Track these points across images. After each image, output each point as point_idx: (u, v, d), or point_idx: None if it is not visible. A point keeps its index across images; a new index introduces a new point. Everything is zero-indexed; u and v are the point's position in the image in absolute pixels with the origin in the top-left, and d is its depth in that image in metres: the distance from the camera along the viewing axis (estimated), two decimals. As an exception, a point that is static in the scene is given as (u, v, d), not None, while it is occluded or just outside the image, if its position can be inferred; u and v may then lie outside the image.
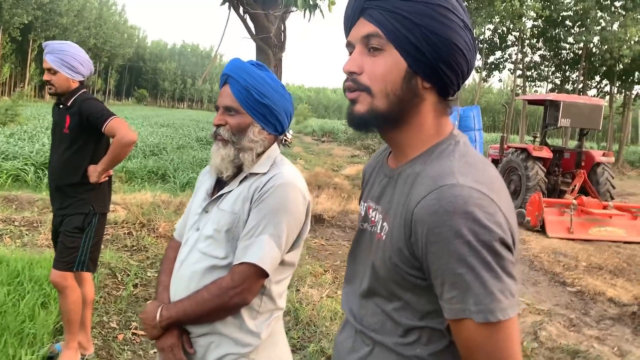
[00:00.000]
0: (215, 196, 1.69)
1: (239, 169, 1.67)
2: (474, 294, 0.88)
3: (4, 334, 3.16)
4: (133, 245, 5.73)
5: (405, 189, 1.02)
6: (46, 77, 3.04)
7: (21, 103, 17.99)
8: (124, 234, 6.03)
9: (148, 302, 2.05)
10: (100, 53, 76.85)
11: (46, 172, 3.42)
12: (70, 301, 3.08)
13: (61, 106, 3.12)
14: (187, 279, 1.62)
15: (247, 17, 6.59)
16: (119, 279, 4.74)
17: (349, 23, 1.06)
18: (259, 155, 1.68)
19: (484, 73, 30.76)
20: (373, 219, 1.13)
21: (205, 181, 1.80)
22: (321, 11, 6.68)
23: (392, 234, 1.02)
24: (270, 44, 6.82)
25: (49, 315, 3.52)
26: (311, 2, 6.64)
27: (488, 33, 29.36)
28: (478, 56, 32.74)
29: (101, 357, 3.39)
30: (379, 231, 1.08)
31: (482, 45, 29.65)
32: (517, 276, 0.93)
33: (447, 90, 1.04)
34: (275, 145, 1.75)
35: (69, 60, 3.03)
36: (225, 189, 1.68)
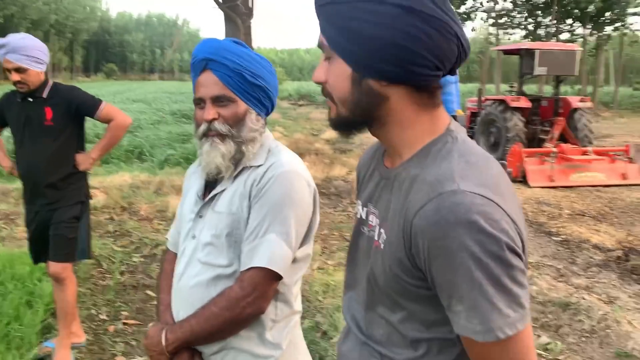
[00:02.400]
0: (207, 198, 1.51)
1: (235, 166, 1.49)
2: (480, 312, 0.82)
3: (-10, 339, 3.08)
4: (116, 231, 5.62)
5: (402, 194, 0.94)
6: (15, 77, 2.86)
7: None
8: (105, 219, 5.91)
9: (150, 325, 1.91)
10: (64, 29, 74.25)
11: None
12: (69, 293, 3.11)
13: (31, 99, 2.98)
14: (189, 294, 1.47)
15: (212, -15, 6.33)
16: (105, 267, 4.65)
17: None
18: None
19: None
20: (371, 223, 1.06)
21: (193, 182, 1.61)
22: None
23: (391, 243, 0.95)
24: (238, 11, 6.61)
25: (35, 315, 3.44)
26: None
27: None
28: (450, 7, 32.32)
29: (93, 351, 3.34)
30: (376, 238, 1.01)
31: (453, -5, 29.20)
32: (527, 283, 0.86)
33: (417, 83, 0.92)
34: (267, 131, 1.56)
35: (35, 54, 2.89)
36: (218, 188, 1.50)
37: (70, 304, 3.11)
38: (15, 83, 2.90)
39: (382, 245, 0.98)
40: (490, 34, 30.68)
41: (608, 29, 27.28)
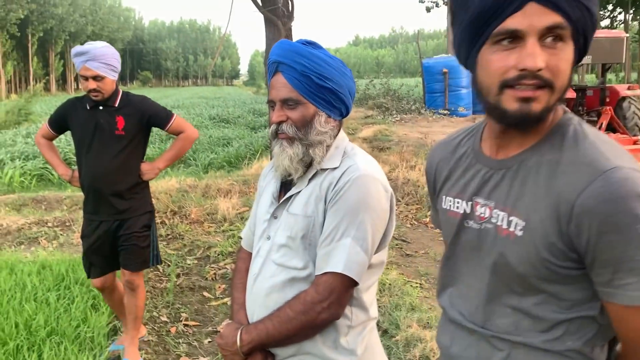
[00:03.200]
0: (283, 199, 1.50)
1: (307, 167, 1.47)
2: None
3: (63, 341, 3.18)
4: (168, 234, 5.73)
5: (541, 179, 0.96)
6: (92, 85, 2.86)
7: (33, 101, 17.99)
8: (157, 223, 6.02)
9: (223, 323, 1.93)
10: (99, 39, 76.30)
11: (74, 167, 3.17)
12: (140, 298, 3.20)
13: (101, 107, 2.97)
14: (264, 295, 1.46)
15: (252, -12, 6.40)
16: (161, 270, 4.75)
17: (511, 7, 0.91)
18: (328, 147, 1.48)
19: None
20: (482, 215, 1.06)
21: (269, 183, 1.61)
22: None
23: (536, 228, 0.95)
24: (278, 14, 6.64)
25: (101, 317, 3.53)
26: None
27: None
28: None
29: (158, 352, 3.41)
30: (505, 227, 1.01)
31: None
32: None
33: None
34: (342, 134, 1.53)
35: (112, 62, 2.91)
36: (293, 190, 1.49)
37: (141, 308, 3.21)
38: (90, 91, 2.89)
39: (519, 233, 0.98)
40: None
41: (651, 14, 26.40)
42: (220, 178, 8.27)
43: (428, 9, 32.27)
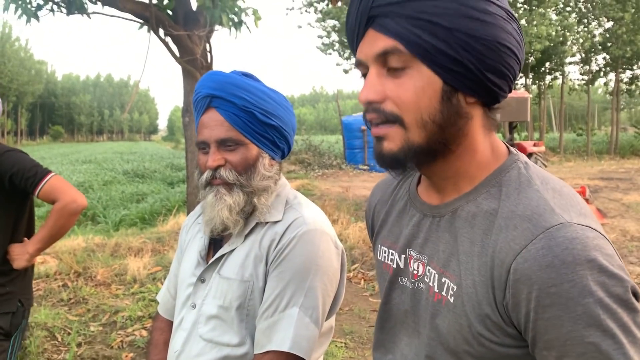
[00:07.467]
0: (213, 259, 1.25)
1: (246, 219, 1.24)
2: None
3: None
4: (70, 299, 5.18)
5: (477, 233, 0.77)
6: None
7: None
8: (58, 286, 5.47)
9: None
10: (8, 92, 72.69)
11: None
12: None
13: None
14: None
15: (168, 39, 6.25)
16: (60, 339, 4.23)
17: (355, 36, 0.80)
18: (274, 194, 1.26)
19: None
20: (415, 272, 0.87)
21: (194, 238, 1.36)
22: (247, 27, 6.43)
23: (469, 294, 0.76)
24: (197, 65, 6.50)
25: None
26: (236, 19, 6.38)
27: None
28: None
29: None
30: (437, 290, 0.82)
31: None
32: None
33: (495, 99, 0.81)
34: (284, 179, 1.32)
35: None
36: (227, 248, 1.24)
37: None
38: None
39: (451, 299, 0.79)
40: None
41: (548, 78, 28.86)
42: (132, 236, 7.77)
43: (346, 71, 33.32)
